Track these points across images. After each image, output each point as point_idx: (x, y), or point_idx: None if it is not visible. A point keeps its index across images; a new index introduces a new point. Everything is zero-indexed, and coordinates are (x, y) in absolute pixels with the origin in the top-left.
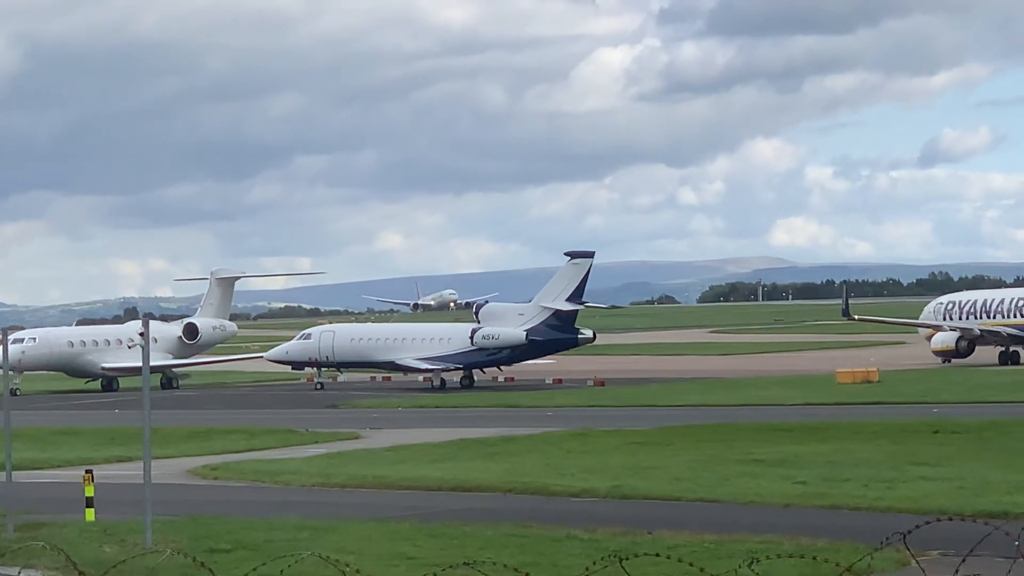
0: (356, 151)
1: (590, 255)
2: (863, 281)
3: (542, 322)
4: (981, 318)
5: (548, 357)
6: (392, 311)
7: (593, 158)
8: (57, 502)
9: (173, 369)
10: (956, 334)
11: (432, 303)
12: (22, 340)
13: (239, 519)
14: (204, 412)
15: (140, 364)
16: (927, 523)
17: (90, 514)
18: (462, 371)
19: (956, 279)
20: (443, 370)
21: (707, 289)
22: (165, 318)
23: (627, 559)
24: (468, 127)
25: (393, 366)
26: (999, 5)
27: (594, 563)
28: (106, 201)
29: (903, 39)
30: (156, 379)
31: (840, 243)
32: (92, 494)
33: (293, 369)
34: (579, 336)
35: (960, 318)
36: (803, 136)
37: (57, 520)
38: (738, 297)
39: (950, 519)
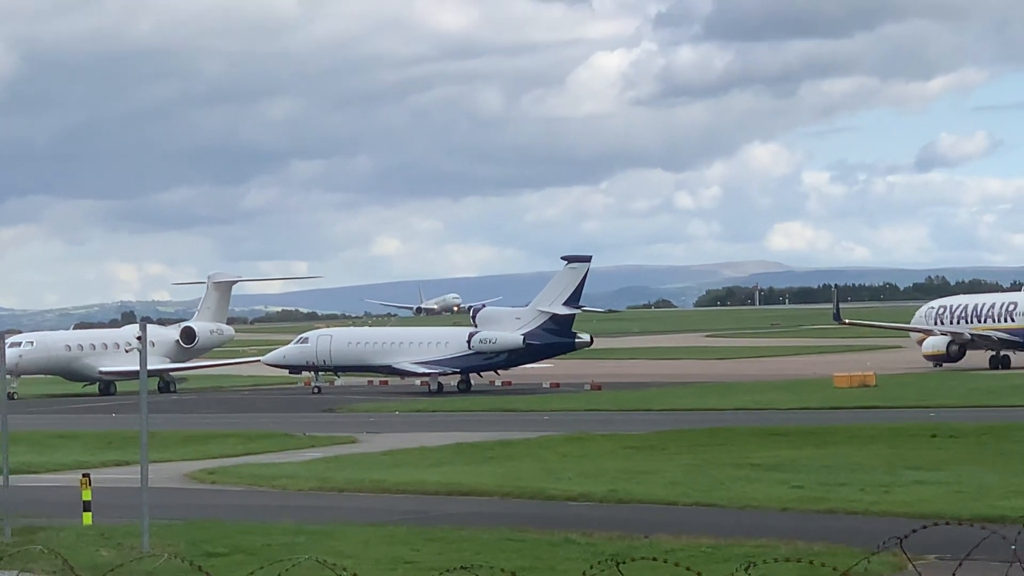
0: (353, 155)
1: (587, 259)
2: (860, 285)
3: (539, 326)
4: (972, 322)
5: (545, 361)
6: (389, 315)
7: (590, 162)
8: (54, 506)
9: (170, 373)
10: (947, 338)
11: (435, 307)
12: (19, 344)
13: (236, 523)
14: (201, 416)
15: (137, 368)
16: (924, 527)
17: (87, 518)
18: (459, 375)
19: (953, 283)
20: (440, 374)
21: (704, 293)
22: (162, 322)
23: (624, 563)
24: (465, 132)
25: (390, 370)
26: (996, 10)
27: (591, 567)
28: (103, 205)
29: (900, 44)
30: (153, 383)
31: (837, 247)
32: (89, 498)
33: (290, 373)
34: (576, 340)
35: (951, 323)
36: (800, 141)
37: (54, 524)
38: (735, 301)
39: (947, 523)
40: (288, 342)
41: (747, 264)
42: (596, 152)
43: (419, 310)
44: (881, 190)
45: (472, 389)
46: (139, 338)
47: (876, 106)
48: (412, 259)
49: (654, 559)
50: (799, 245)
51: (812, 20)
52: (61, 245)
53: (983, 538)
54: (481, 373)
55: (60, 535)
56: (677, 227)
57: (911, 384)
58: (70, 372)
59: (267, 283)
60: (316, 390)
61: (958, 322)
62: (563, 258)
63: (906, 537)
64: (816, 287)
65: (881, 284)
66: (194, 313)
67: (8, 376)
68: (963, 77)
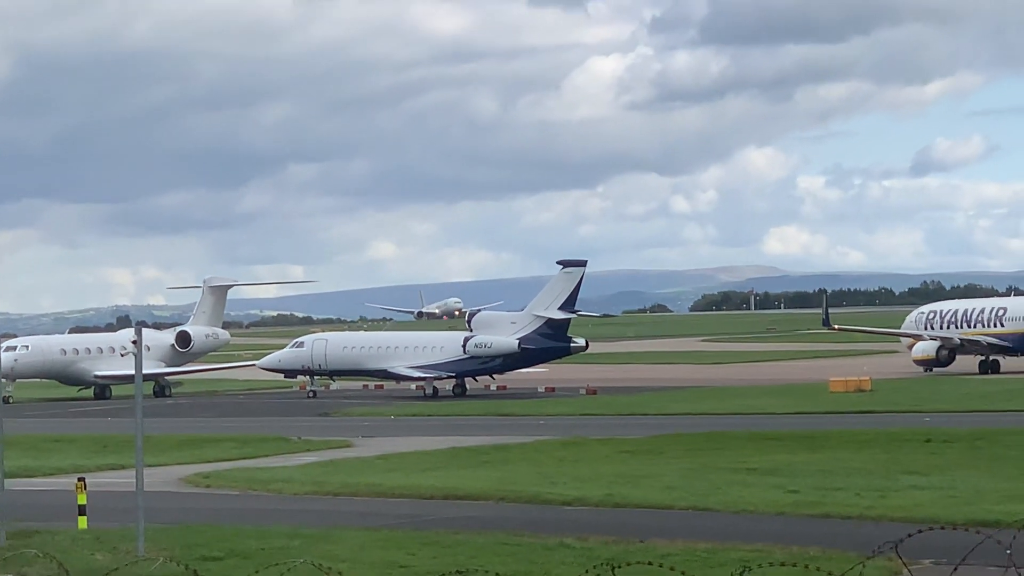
0: (348, 159)
1: (582, 264)
2: (855, 290)
3: (535, 331)
4: (961, 327)
5: (540, 366)
6: (385, 319)
7: (585, 167)
8: (50, 510)
9: (166, 377)
10: (936, 343)
11: (436, 311)
12: (15, 348)
13: (231, 527)
14: (196, 420)
15: (133, 372)
16: (919, 532)
17: (83, 522)
18: (454, 379)
19: (948, 288)
20: (435, 378)
21: (700, 298)
22: (158, 326)
23: (619, 567)
24: (460, 136)
25: (386, 374)
26: (992, 14)
27: (586, 571)
28: (99, 209)
29: (895, 48)
30: (149, 387)
31: (832, 252)
32: (85, 502)
33: (286, 377)
34: (571, 345)
35: (941, 327)
36: (795, 145)
37: (50, 528)
38: (730, 306)
39: (942, 528)
40: (283, 346)
41: (743, 269)
42: (592, 156)
43: (420, 314)
44: (877, 195)
45: (467, 393)
46: (135, 342)
47: (872, 110)
48: (408, 263)
49: (649, 563)
50: (795, 250)
51: (808, 24)
52: (57, 249)
53: (978, 543)
54: (476, 377)
55: (55, 539)
56: (673, 231)
57: (906, 389)
58: (66, 376)
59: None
60: (311, 394)
61: (948, 327)
62: (559, 262)
63: (901, 542)
64: (812, 292)
65: (876, 289)
66: (189, 317)
67: (3, 380)
68: (959, 81)
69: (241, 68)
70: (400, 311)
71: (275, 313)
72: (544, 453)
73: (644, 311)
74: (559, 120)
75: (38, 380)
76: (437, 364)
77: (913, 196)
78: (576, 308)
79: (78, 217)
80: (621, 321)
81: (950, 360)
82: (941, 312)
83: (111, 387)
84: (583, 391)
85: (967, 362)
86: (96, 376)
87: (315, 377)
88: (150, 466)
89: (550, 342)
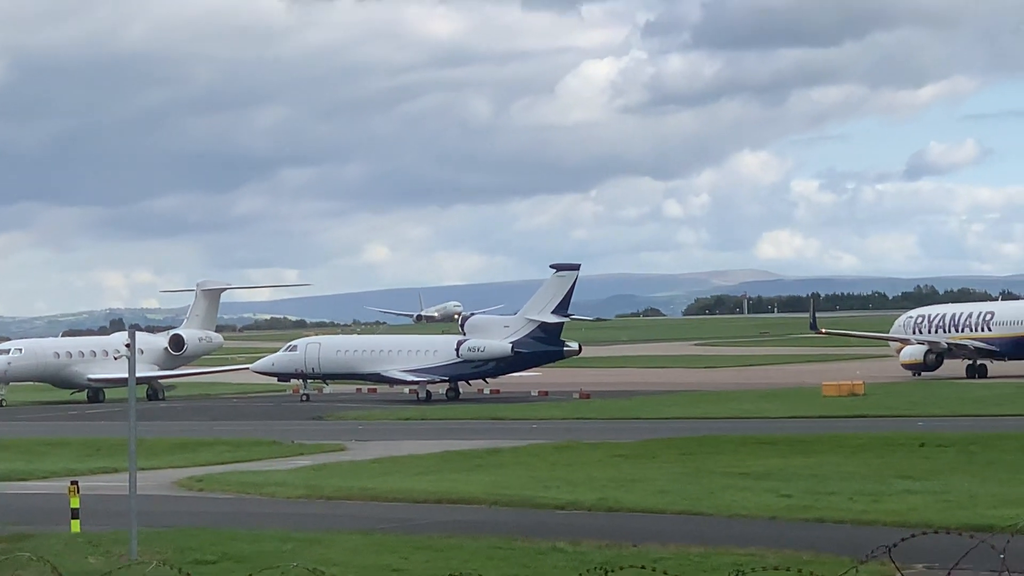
0: (343, 163)
1: (576, 267)
2: (849, 294)
3: (528, 334)
4: (949, 332)
5: (534, 369)
6: (378, 323)
7: (579, 170)
8: (43, 513)
9: (159, 381)
10: (924, 347)
11: (436, 314)
12: (8, 351)
13: (225, 531)
14: (190, 423)
15: (126, 375)
16: (912, 536)
17: (76, 525)
18: (448, 383)
19: (942, 292)
20: (429, 382)
21: (693, 302)
22: (151, 329)
23: (612, 572)
24: (454, 139)
25: (379, 378)
26: (985, 19)
27: (580, 575)
28: (92, 212)
29: (889, 52)
30: (142, 390)
31: (826, 256)
32: (78, 505)
33: (279, 381)
34: (565, 348)
35: (929, 332)
36: (789, 149)
37: (43, 531)
38: (724, 310)
39: (935, 532)
40: (277, 350)
41: (736, 273)
42: (585, 160)
43: (419, 317)
44: (870, 198)
45: (460, 397)
46: (128, 345)
47: (866, 114)
48: (402, 267)
49: (643, 567)
50: (788, 254)
51: (801, 28)
52: (50, 252)
53: (971, 547)
54: (470, 381)
55: (48, 542)
56: (666, 235)
57: (899, 393)
58: (59, 379)
59: (256, 291)
60: (305, 398)
61: (936, 331)
62: (552, 266)
63: (895, 546)
64: (805, 296)
65: (870, 293)
66: (183, 321)
67: None
68: (953, 85)
69: (236, 71)
70: (399, 314)
71: (268, 316)
72: (537, 457)
73: (637, 315)
74: (553, 124)
75: (31, 383)
76: (430, 368)
77: (907, 200)
78: (569, 312)
79: (72, 220)
80: (614, 325)
81: (938, 364)
82: (929, 316)
83: (104, 390)
84: (576, 395)
85: (954, 366)
86: (89, 379)
87: (308, 381)
88: (143, 469)
89: (543, 346)
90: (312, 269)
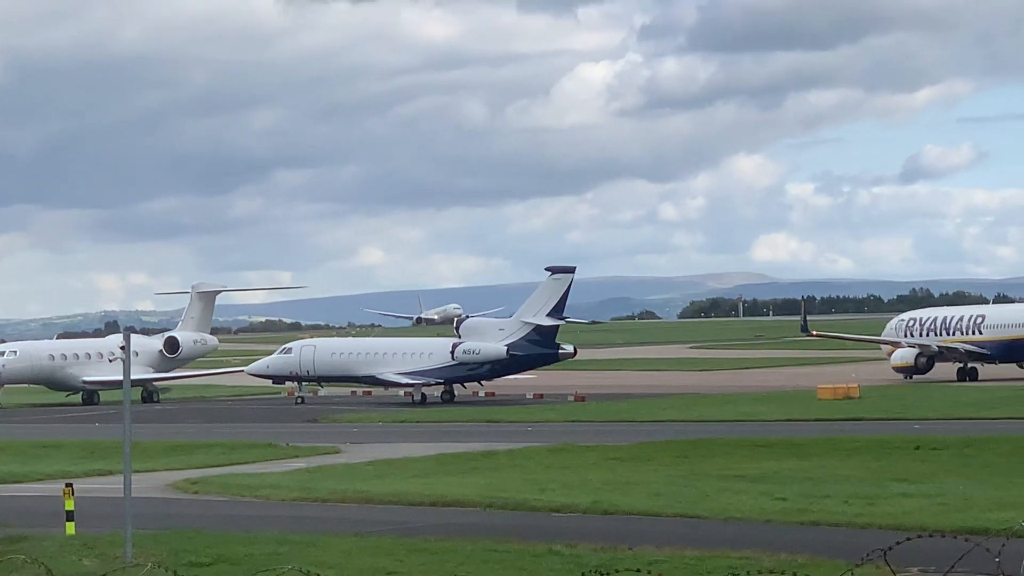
0: (338, 166)
1: (571, 270)
2: (844, 297)
3: (523, 337)
4: (940, 335)
5: (529, 372)
6: (374, 325)
7: (574, 173)
8: (37, 515)
9: (154, 383)
10: (915, 351)
11: (435, 317)
12: (3, 353)
13: (219, 533)
14: (184, 426)
15: (121, 378)
16: (908, 539)
17: (70, 528)
18: (443, 386)
19: (937, 295)
20: (424, 385)
21: (688, 305)
22: (146, 332)
23: (608, 574)
24: (450, 142)
25: (374, 380)
26: (981, 22)
27: None
28: (87, 215)
29: (885, 56)
30: (137, 393)
31: (821, 259)
32: (72, 507)
33: (274, 383)
34: (560, 351)
35: (920, 335)
36: (784, 152)
37: (38, 533)
38: (719, 313)
39: (931, 535)
40: (272, 352)
41: (731, 276)
42: (581, 163)
43: (419, 320)
44: (866, 202)
45: (456, 400)
46: (123, 348)
47: (861, 118)
48: (397, 269)
49: (638, 570)
50: (783, 257)
51: (797, 32)
52: (45, 254)
53: (967, 550)
54: (465, 384)
55: (43, 545)
56: (661, 238)
57: (894, 396)
58: (53, 381)
59: (251, 293)
60: (299, 400)
61: (927, 334)
62: (547, 269)
63: (890, 549)
64: (800, 299)
65: (865, 296)
66: (178, 323)
67: None
68: (948, 89)
69: (231, 74)
70: (399, 316)
71: (263, 319)
72: (532, 460)
73: (632, 318)
74: (549, 126)
75: (26, 385)
76: (425, 370)
77: (902, 203)
78: (564, 315)
79: (67, 222)
80: (609, 328)
81: (929, 367)
82: (921, 319)
83: (99, 392)
84: (571, 398)
85: (945, 369)
86: (84, 381)
87: (303, 383)
88: (138, 472)
89: (538, 349)
90: (307, 271)
